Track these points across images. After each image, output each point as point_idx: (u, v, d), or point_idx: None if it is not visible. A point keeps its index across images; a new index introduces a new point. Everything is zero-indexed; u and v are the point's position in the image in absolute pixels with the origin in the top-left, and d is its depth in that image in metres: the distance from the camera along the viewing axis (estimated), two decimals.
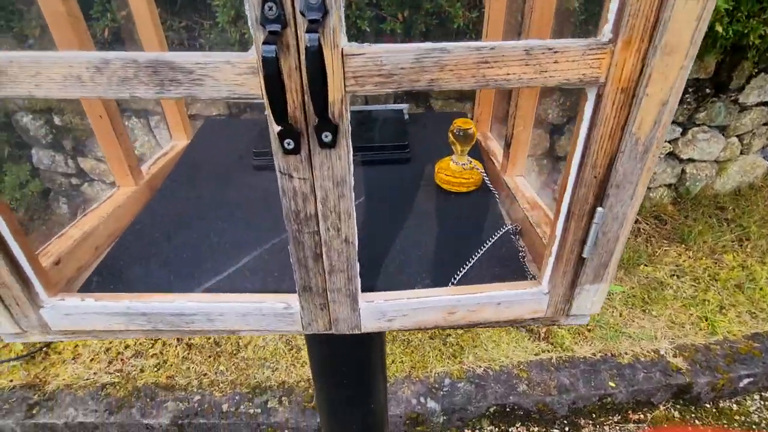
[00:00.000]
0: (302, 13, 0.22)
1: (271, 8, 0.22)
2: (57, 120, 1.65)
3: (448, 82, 0.25)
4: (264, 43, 0.22)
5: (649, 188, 2.02)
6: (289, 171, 0.27)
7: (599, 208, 0.30)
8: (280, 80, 0.23)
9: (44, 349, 1.60)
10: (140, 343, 1.59)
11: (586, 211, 0.31)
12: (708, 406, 1.44)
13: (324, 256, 0.31)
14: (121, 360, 1.57)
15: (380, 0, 1.14)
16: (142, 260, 0.42)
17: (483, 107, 0.65)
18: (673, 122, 1.82)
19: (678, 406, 1.43)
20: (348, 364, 0.53)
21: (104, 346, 1.61)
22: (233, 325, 0.35)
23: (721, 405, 1.44)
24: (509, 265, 0.41)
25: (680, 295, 1.68)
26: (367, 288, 0.35)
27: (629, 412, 1.42)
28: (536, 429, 1.39)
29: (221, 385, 1.44)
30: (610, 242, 0.32)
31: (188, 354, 1.57)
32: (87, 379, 1.49)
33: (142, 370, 1.52)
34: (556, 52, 0.25)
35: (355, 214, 0.29)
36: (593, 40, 0.25)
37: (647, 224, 1.98)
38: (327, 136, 0.26)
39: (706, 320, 1.58)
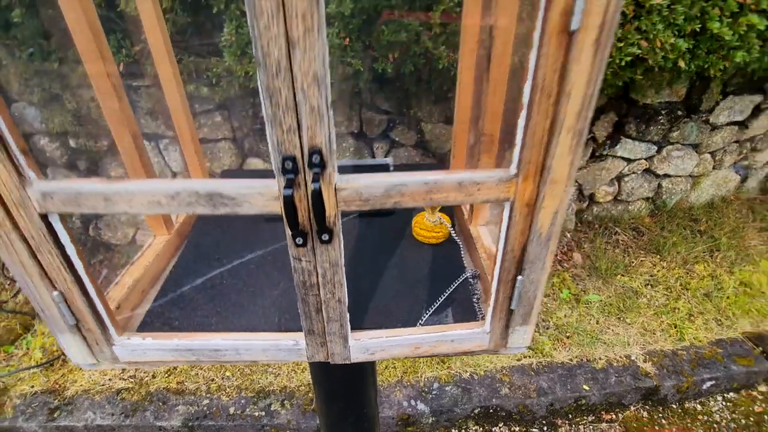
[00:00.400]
0: (309, 167, 0.34)
1: (288, 164, 0.34)
2: (72, 143, 1.76)
3: (407, 203, 0.37)
4: (285, 186, 0.34)
5: (627, 202, 2.15)
6: (299, 257, 0.39)
7: (519, 277, 0.42)
8: (294, 205, 0.36)
9: (62, 357, 1.72)
10: None
11: (510, 278, 0.43)
12: (674, 406, 1.57)
13: (323, 311, 0.43)
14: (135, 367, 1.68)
15: (373, 42, 1.26)
16: (183, 302, 0.54)
17: (457, 159, 0.77)
18: (649, 141, 1.95)
19: (647, 407, 1.56)
20: (343, 383, 0.66)
21: None
22: (256, 357, 0.48)
23: (686, 406, 1.57)
24: (466, 306, 0.53)
25: (653, 303, 1.81)
26: (355, 325, 0.47)
27: (602, 412, 1.55)
28: (517, 429, 1.52)
29: (228, 389, 1.56)
30: (530, 299, 0.44)
31: None
32: (103, 385, 1.61)
33: (153, 376, 1.64)
34: (479, 183, 0.37)
35: (345, 282, 0.42)
36: (504, 174, 0.37)
37: (626, 236, 2.11)
38: (325, 237, 0.38)
39: (676, 327, 1.71)
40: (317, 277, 0.41)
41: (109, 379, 1.64)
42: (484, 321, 0.48)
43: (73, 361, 0.48)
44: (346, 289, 0.42)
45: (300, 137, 0.33)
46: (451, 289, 0.54)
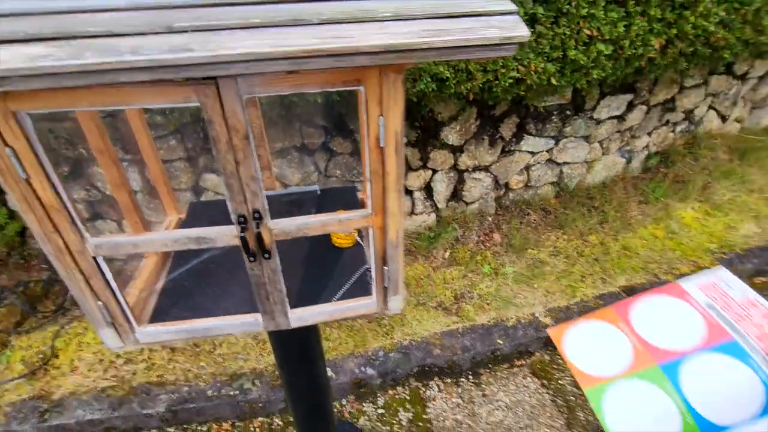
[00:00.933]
0: (253, 219, 0.62)
1: (241, 219, 0.62)
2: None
3: (312, 233, 0.66)
4: (240, 231, 0.62)
5: (536, 187, 2.55)
6: (253, 268, 0.67)
7: (385, 267, 0.73)
8: (246, 240, 0.64)
9: (44, 366, 1.89)
10: (129, 352, 1.91)
11: (381, 268, 0.73)
12: None
13: (270, 298, 0.72)
14: (115, 367, 1.89)
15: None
16: (177, 301, 0.80)
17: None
18: (547, 136, 2.34)
19: (548, 352, 1.97)
20: (294, 347, 0.95)
21: (98, 358, 1.91)
22: (231, 330, 0.75)
23: None
24: (365, 286, 0.83)
25: (555, 270, 2.23)
26: (294, 303, 0.76)
27: (514, 359, 1.94)
28: (449, 380, 1.88)
29: (204, 376, 1.81)
30: (395, 280, 0.75)
31: (172, 356, 1.92)
32: (88, 386, 1.81)
33: (134, 374, 1.85)
34: (351, 219, 0.66)
35: (282, 279, 0.70)
36: (365, 212, 0.67)
37: (536, 215, 2.52)
38: (266, 256, 0.66)
39: (570, 288, 2.13)
40: (264, 278, 0.69)
41: (93, 381, 1.83)
42: (372, 295, 0.78)
43: (109, 346, 0.73)
44: (283, 284, 0.71)
45: (246, 205, 0.61)
46: (355, 277, 0.84)
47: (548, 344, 1.96)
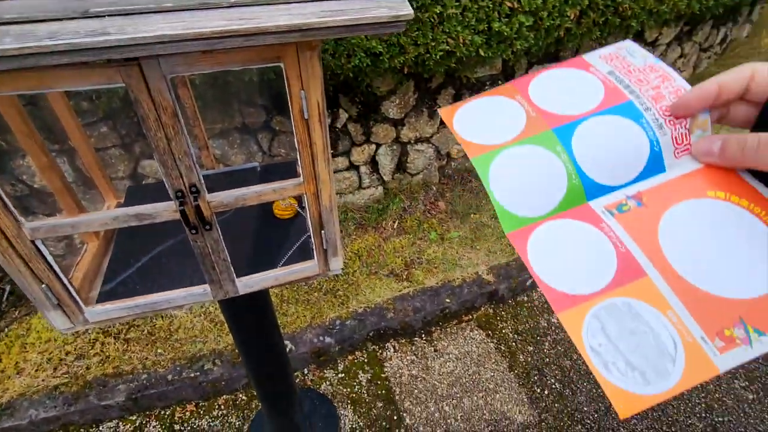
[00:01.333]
0: (190, 194, 0.67)
1: (178, 194, 0.66)
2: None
3: (249, 203, 0.71)
4: (179, 206, 0.66)
5: None
6: (195, 240, 0.72)
7: (323, 231, 0.80)
8: (186, 214, 0.68)
9: None
10: (80, 347, 1.87)
11: (319, 233, 0.80)
12: (510, 301, 2.19)
13: (216, 267, 0.76)
14: (65, 364, 1.85)
15: None
16: (124, 280, 0.83)
17: None
18: None
19: (492, 306, 2.15)
20: (246, 315, 1.00)
21: (45, 357, 1.86)
22: (180, 303, 0.80)
23: (517, 299, 2.20)
24: (309, 252, 0.90)
25: (495, 231, 2.40)
26: (241, 271, 0.81)
27: (462, 316, 2.11)
28: (403, 340, 2.01)
29: (163, 362, 1.81)
30: (333, 242, 0.82)
31: (127, 347, 1.90)
32: (38, 386, 1.76)
33: (88, 368, 1.82)
34: (285, 188, 0.72)
35: (225, 248, 0.75)
36: (297, 181, 0.73)
37: (477, 182, 2.67)
38: (207, 227, 0.71)
39: (510, 246, 2.31)
40: (208, 248, 0.74)
41: (43, 380, 1.79)
42: (314, 258, 0.85)
43: (58, 327, 0.76)
44: (227, 253, 0.76)
45: (182, 181, 0.65)
46: (298, 243, 0.90)
47: (491, 298, 2.13)
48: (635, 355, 0.35)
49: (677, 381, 0.34)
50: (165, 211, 0.67)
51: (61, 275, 0.70)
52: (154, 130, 0.58)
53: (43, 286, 0.69)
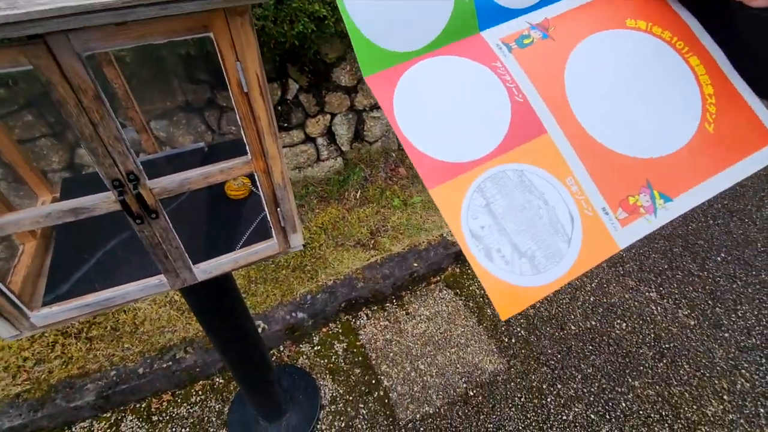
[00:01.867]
0: (129, 182, 0.62)
1: (116, 183, 0.62)
2: None
3: (195, 187, 0.68)
4: (118, 196, 0.62)
5: None
6: (142, 230, 0.68)
7: (278, 208, 0.78)
8: (127, 204, 0.64)
9: None
10: (38, 351, 1.79)
11: (274, 210, 0.78)
12: None
13: (169, 256, 0.73)
14: (25, 371, 1.77)
15: None
16: (71, 278, 0.78)
17: None
18: None
19: (458, 266, 2.22)
20: (211, 301, 0.98)
21: (1, 366, 1.77)
22: (136, 296, 0.76)
23: None
24: (267, 231, 0.88)
25: None
26: (197, 257, 0.78)
27: (430, 278, 2.16)
28: (375, 308, 2.05)
29: (131, 357, 1.77)
30: (290, 218, 0.80)
31: (90, 346, 1.83)
32: None
33: (50, 372, 1.75)
34: (233, 168, 0.69)
35: (178, 237, 0.72)
36: (246, 159, 0.69)
37: None
38: (153, 216, 0.67)
39: None
40: (157, 238, 0.70)
41: (2, 389, 1.70)
42: (273, 237, 0.83)
43: (2, 336, 0.71)
44: (179, 240, 0.72)
45: (118, 169, 0.60)
46: (255, 223, 0.88)
47: (458, 259, 2.20)
48: (524, 237, 0.30)
49: (571, 265, 0.29)
50: (103, 202, 0.63)
51: None
52: (75, 116, 0.53)
53: None
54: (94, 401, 1.68)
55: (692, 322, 1.94)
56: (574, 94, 0.31)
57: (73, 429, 1.69)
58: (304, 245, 2.04)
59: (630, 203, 0.29)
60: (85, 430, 1.69)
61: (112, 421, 1.71)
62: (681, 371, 1.77)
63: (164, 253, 0.72)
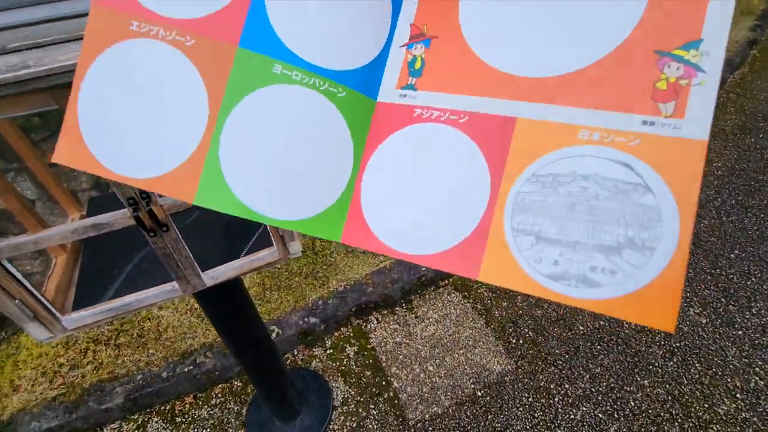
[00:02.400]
0: (142, 200, 0.71)
1: (130, 201, 0.71)
2: None
3: None
4: (133, 212, 0.71)
5: None
6: (155, 242, 0.77)
7: None
8: (141, 219, 0.73)
9: None
10: (72, 357, 1.92)
11: None
12: None
13: (180, 264, 0.82)
14: (60, 376, 1.90)
15: None
16: (96, 287, 0.88)
17: None
18: None
19: None
20: (222, 306, 1.07)
21: (39, 372, 1.91)
22: (153, 301, 0.85)
23: None
24: (268, 241, 0.96)
25: None
26: (205, 265, 0.87)
27: (438, 282, 2.21)
28: (385, 311, 2.11)
29: (155, 362, 1.88)
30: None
31: (118, 352, 1.96)
32: (36, 400, 1.82)
33: (83, 376, 1.88)
34: None
35: (187, 247, 0.80)
36: None
37: None
38: (164, 229, 0.76)
39: None
40: (168, 248, 0.79)
41: (40, 394, 1.84)
42: (273, 245, 0.91)
43: (38, 338, 0.81)
44: (188, 250, 0.81)
45: (132, 188, 0.69)
46: (258, 233, 0.96)
47: None
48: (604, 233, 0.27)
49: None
50: (120, 218, 0.72)
51: (32, 289, 0.75)
52: None
53: (17, 301, 0.74)
54: (122, 403, 1.79)
55: (704, 320, 1.93)
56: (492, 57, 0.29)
57: (104, 430, 1.81)
58: (315, 252, 2.12)
59: (662, 89, 0.23)
60: (115, 431, 1.81)
61: (140, 422, 1.83)
62: (692, 370, 1.76)
63: (175, 261, 0.81)
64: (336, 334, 2.04)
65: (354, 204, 0.36)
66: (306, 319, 1.99)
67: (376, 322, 2.08)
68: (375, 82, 0.33)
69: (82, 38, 0.48)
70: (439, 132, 0.32)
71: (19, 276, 0.72)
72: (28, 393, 1.84)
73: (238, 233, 0.99)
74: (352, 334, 2.03)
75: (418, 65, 0.32)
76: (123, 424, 1.82)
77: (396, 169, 0.34)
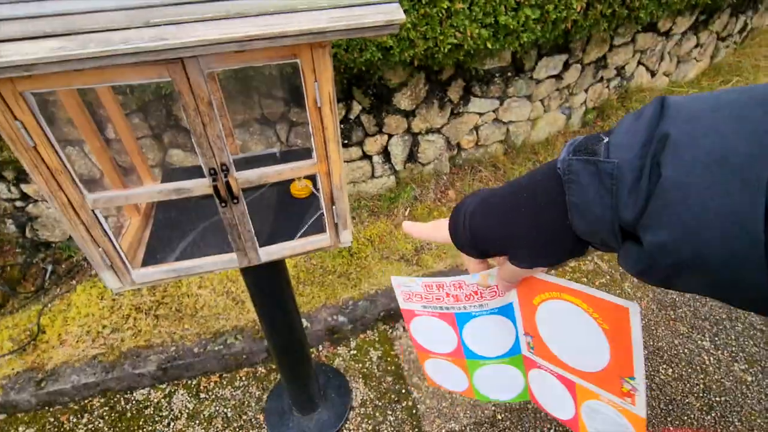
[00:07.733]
0: (221, 171, 0.78)
1: (212, 171, 0.78)
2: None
3: (270, 181, 0.83)
4: (212, 182, 0.78)
5: (486, 145, 2.76)
6: (224, 212, 0.84)
7: (333, 206, 0.91)
8: (217, 189, 0.80)
9: (32, 342, 2.00)
10: (115, 321, 2.05)
11: (330, 207, 0.91)
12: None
13: (241, 237, 0.89)
14: (102, 337, 2.03)
15: None
16: (164, 248, 0.96)
17: None
18: (492, 97, 2.54)
19: None
20: (265, 284, 1.13)
21: (84, 330, 2.04)
22: (211, 268, 0.92)
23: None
24: (322, 227, 1.01)
25: None
26: (263, 241, 0.93)
27: None
28: None
29: (189, 337, 1.97)
30: (343, 216, 0.93)
31: (157, 322, 2.07)
32: (78, 356, 1.94)
33: (122, 341, 1.99)
34: (301, 167, 0.83)
35: (250, 219, 0.87)
36: (311, 162, 0.84)
37: (487, 172, 2.75)
38: (235, 201, 0.83)
39: None
40: (235, 220, 0.86)
41: (83, 351, 1.96)
42: (326, 231, 0.96)
43: (110, 286, 0.89)
44: (251, 224, 0.87)
45: (215, 160, 0.77)
46: (312, 219, 1.02)
47: None
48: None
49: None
50: (200, 186, 0.79)
51: (114, 240, 0.83)
52: (192, 117, 0.70)
53: (100, 249, 0.82)
54: (154, 371, 1.89)
55: (749, 378, 1.81)
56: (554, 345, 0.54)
57: (134, 393, 1.91)
58: (351, 254, 2.17)
59: (624, 390, 0.46)
60: (144, 396, 1.90)
61: (167, 392, 1.91)
62: (731, 428, 1.66)
63: (238, 233, 0.88)
64: (362, 336, 2.07)
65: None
66: (334, 317, 2.03)
67: (402, 330, 2.09)
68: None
69: (210, 19, 0.55)
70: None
71: (106, 227, 0.81)
72: (72, 348, 1.97)
73: (293, 217, 1.05)
74: (377, 339, 2.05)
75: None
76: (152, 391, 1.92)
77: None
